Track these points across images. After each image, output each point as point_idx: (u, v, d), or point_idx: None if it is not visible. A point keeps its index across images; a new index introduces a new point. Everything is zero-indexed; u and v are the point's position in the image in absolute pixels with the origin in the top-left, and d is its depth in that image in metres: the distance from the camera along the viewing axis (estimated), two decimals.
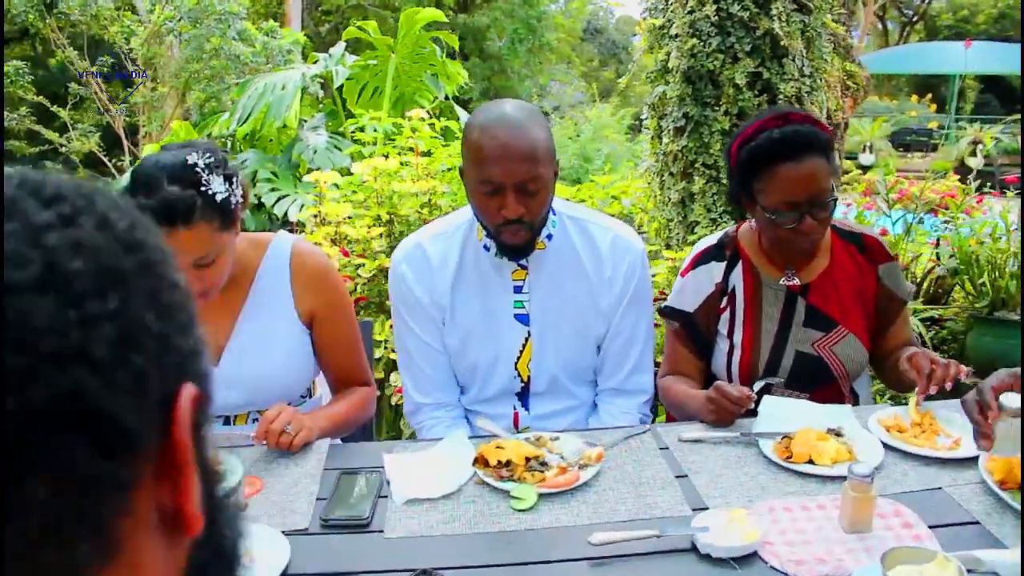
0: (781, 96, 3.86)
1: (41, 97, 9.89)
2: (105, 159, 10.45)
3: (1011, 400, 1.57)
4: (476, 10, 24.20)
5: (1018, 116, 24.17)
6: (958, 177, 7.17)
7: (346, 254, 3.85)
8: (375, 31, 6.43)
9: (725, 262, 2.31)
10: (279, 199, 5.59)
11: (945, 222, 4.96)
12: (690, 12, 3.94)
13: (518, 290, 2.19)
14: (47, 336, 0.39)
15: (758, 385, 2.13)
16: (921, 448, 1.88)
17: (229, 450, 1.94)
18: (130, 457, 0.44)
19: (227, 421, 2.15)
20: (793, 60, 3.90)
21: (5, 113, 9.89)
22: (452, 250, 2.20)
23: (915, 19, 33.32)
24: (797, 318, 2.24)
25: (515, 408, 2.24)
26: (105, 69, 10.71)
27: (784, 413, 2.03)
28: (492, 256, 2.16)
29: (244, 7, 9.33)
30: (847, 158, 17.50)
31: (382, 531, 1.67)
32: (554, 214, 2.19)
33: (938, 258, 4.35)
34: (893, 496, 1.69)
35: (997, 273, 4.03)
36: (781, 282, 2.23)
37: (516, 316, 2.20)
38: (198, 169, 1.81)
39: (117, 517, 0.43)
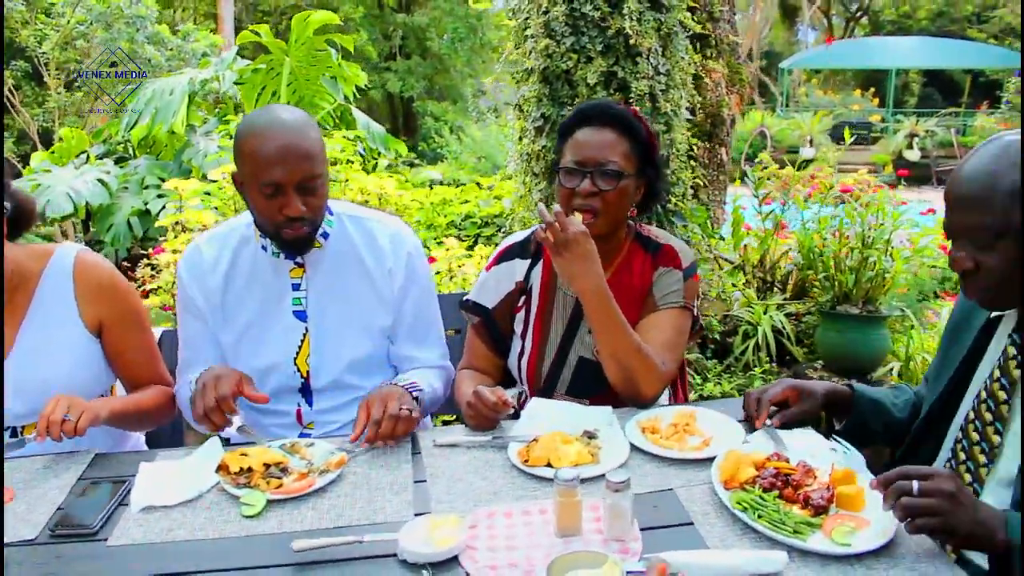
0: (634, 94, 3.89)
1: None
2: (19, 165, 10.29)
3: (615, 475, 1.57)
4: (417, 9, 24.17)
5: (954, 109, 24.71)
6: (868, 170, 7.28)
7: None
8: (268, 34, 6.38)
9: (529, 260, 2.34)
10: (164, 207, 5.53)
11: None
12: (544, 12, 3.96)
13: (296, 288, 2.22)
14: None
15: (512, 392, 2.14)
16: (663, 449, 1.90)
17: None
18: None
19: (14, 433, 2.12)
20: (647, 58, 3.93)
21: None
22: (226, 252, 2.23)
23: (859, 14, 33.82)
24: (583, 324, 2.25)
25: (298, 404, 2.25)
26: (18, 73, 10.55)
27: (546, 415, 2.05)
28: (270, 256, 2.19)
29: (153, 9, 9.22)
30: (789, 151, 17.76)
31: (106, 539, 1.66)
32: (331, 214, 2.22)
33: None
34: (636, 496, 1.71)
35: (837, 268, 4.10)
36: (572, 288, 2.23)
37: (294, 313, 2.22)
38: None
39: None
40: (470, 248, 4.53)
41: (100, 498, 1.81)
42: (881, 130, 23.35)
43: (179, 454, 2.02)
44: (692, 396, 3.83)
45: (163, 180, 5.82)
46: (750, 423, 1.97)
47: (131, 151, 6.91)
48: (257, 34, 6.40)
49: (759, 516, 1.60)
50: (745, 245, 4.70)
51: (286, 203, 2.02)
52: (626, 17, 3.84)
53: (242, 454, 1.87)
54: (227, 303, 2.23)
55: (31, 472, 1.96)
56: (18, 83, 10.55)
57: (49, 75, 10.17)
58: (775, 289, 4.54)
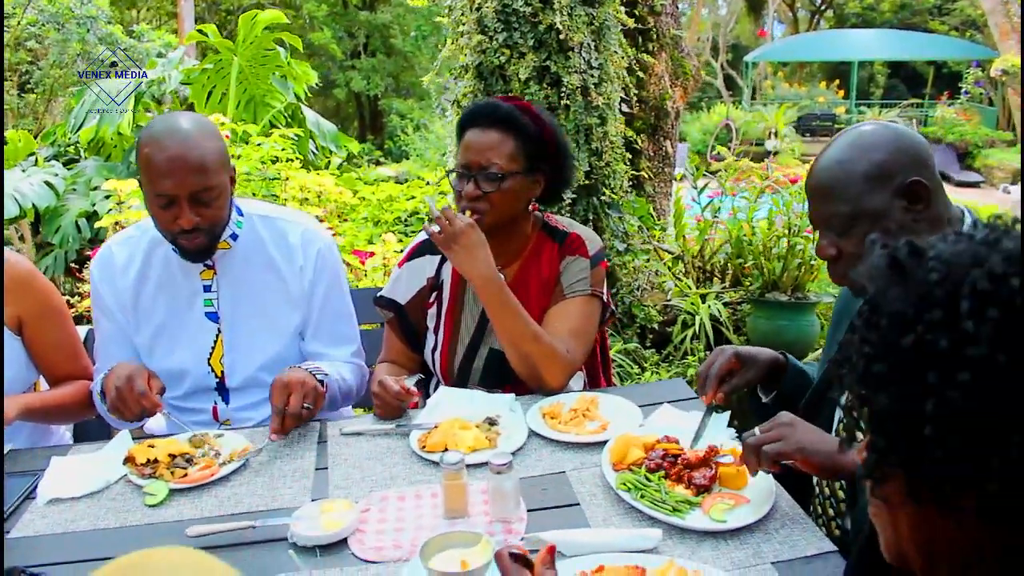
0: (566, 88, 3.95)
1: None
2: None
3: (497, 458, 1.63)
4: (380, 7, 24.12)
5: (916, 100, 25.03)
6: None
7: None
8: (215, 34, 6.39)
9: (439, 256, 2.37)
10: (111, 209, 5.53)
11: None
12: (477, 9, 4.00)
13: (207, 289, 2.24)
14: None
15: (411, 380, 2.18)
16: (560, 433, 1.96)
17: None
18: None
19: None
20: (579, 53, 3.99)
21: None
22: (137, 253, 2.26)
23: (824, 7, 34.10)
24: None
25: (214, 403, 2.28)
26: None
27: (450, 403, 2.10)
28: (180, 258, 2.20)
29: (103, 10, 9.17)
30: (755, 144, 17.94)
31: (8, 532, 1.70)
32: (240, 215, 2.24)
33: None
34: (526, 480, 1.76)
35: (765, 256, 4.19)
36: None
37: (207, 314, 2.25)
38: None
39: None
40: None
41: (8, 493, 1.84)
42: (846, 121, 23.60)
43: (92, 448, 2.06)
44: (628, 384, 3.89)
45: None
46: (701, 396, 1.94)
47: (80, 153, 6.89)
48: (204, 34, 6.41)
49: (641, 496, 1.66)
50: (685, 236, 4.78)
51: (178, 214, 2.04)
52: (557, 12, 3.89)
53: (149, 446, 1.91)
54: (139, 304, 2.25)
55: None
56: None
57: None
58: (713, 279, 4.63)
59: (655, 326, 4.32)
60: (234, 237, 2.22)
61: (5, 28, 9.84)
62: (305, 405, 1.96)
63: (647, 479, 1.71)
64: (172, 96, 6.65)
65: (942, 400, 0.68)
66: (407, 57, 23.76)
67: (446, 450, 1.85)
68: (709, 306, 4.19)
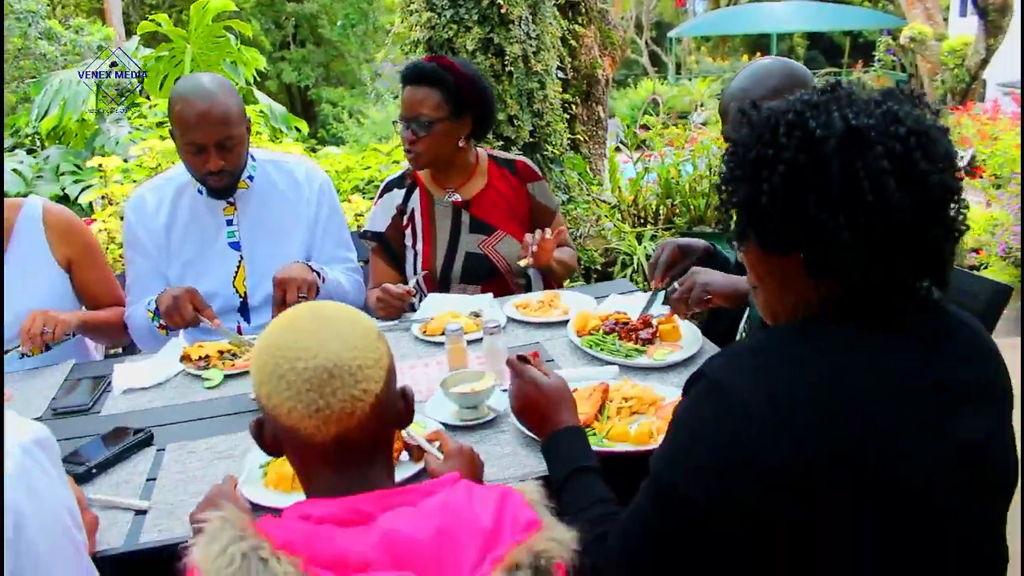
0: (509, 57, 4.42)
1: None
2: None
3: (490, 321, 2.12)
4: None
5: (833, 68, 25.97)
6: None
7: None
8: (168, 23, 6.71)
9: (404, 189, 2.87)
10: (83, 189, 5.85)
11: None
12: None
13: (229, 223, 2.67)
14: None
15: (415, 278, 2.68)
16: (532, 317, 2.46)
17: None
18: None
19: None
20: (519, 25, 4.46)
21: None
22: (165, 199, 2.68)
23: None
24: (464, 227, 2.80)
25: (238, 322, 2.70)
26: None
27: (440, 304, 2.58)
28: (205, 198, 2.64)
29: (43, 4, 9.33)
30: (681, 116, 18.66)
31: (99, 411, 2.13)
32: (254, 160, 2.68)
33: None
34: (511, 349, 2.23)
35: (691, 194, 4.73)
36: (446, 199, 2.78)
37: (230, 244, 2.68)
38: None
39: None
40: None
41: (86, 388, 2.27)
42: None
43: (143, 356, 2.48)
44: None
45: (77, 167, 6.13)
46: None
47: (39, 142, 7.15)
48: (158, 23, 6.71)
49: (600, 349, 2.16)
50: (620, 188, 5.30)
51: (207, 159, 2.48)
52: None
53: (200, 346, 2.34)
54: (171, 241, 2.66)
55: (23, 378, 2.39)
56: None
57: None
58: (647, 223, 5.15)
59: (598, 267, 4.83)
60: (250, 178, 2.66)
61: None
62: (300, 295, 2.40)
63: (604, 338, 2.21)
64: (131, 83, 6.96)
65: (771, 185, 1.17)
66: (336, 46, 23.95)
67: (442, 333, 2.32)
68: (644, 246, 4.70)
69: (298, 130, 7.43)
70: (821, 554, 1.12)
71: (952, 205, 1.17)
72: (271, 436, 1.17)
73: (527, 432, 1.74)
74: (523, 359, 1.70)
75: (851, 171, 1.12)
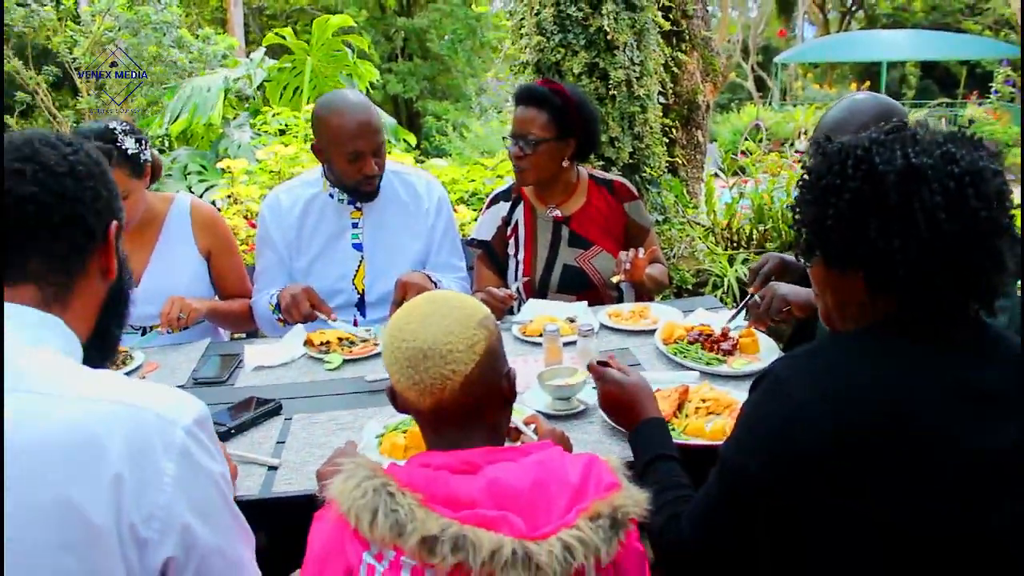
0: (612, 81, 4.63)
1: None
2: None
3: (584, 325, 2.33)
4: (418, 12, 24.85)
5: (946, 100, 25.33)
6: None
7: (253, 226, 4.57)
8: (291, 36, 7.14)
9: (510, 202, 3.12)
10: (207, 188, 6.29)
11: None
12: (536, 13, 4.70)
13: (355, 226, 2.95)
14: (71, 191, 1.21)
15: (515, 284, 2.91)
16: (622, 324, 2.67)
17: (134, 348, 2.65)
18: (92, 242, 1.23)
19: (144, 332, 2.85)
20: (623, 51, 4.67)
21: None
22: (299, 200, 2.97)
23: (854, 8, 34.35)
24: (563, 241, 3.02)
25: (355, 316, 2.97)
26: (51, 78, 11.23)
27: (538, 308, 2.80)
28: (335, 202, 2.94)
29: (178, 15, 9.93)
30: (784, 143, 18.46)
31: (234, 384, 2.41)
32: None
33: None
34: (602, 353, 2.44)
35: (782, 220, 4.85)
36: (548, 214, 3.00)
37: (353, 245, 2.96)
38: (115, 132, 2.63)
39: (85, 263, 1.24)
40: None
41: (222, 363, 2.56)
42: None
43: (270, 340, 2.77)
44: None
45: (203, 167, 6.58)
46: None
47: (168, 143, 7.67)
48: (282, 36, 7.14)
49: (684, 356, 2.35)
50: (715, 211, 5.45)
51: (365, 165, 2.77)
52: (605, 16, 4.57)
53: (321, 333, 2.62)
54: (300, 238, 2.95)
55: (166, 351, 2.70)
56: (51, 87, 11.23)
57: (80, 79, 10.85)
58: (739, 247, 5.28)
59: (689, 287, 4.98)
60: (378, 187, 2.93)
61: (85, 35, 10.65)
62: None
63: (688, 347, 2.39)
64: (255, 92, 7.42)
65: (837, 210, 1.35)
66: (443, 60, 24.50)
67: (540, 334, 2.54)
68: (735, 269, 4.84)
69: (406, 142, 7.78)
70: (851, 543, 1.29)
71: (1001, 240, 1.31)
72: (397, 400, 1.41)
73: (615, 425, 1.95)
74: (602, 363, 1.92)
75: (907, 203, 1.29)
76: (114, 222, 1.29)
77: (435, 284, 2.76)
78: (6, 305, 1.18)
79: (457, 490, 1.22)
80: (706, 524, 1.44)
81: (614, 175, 3.20)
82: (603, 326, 2.67)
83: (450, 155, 16.80)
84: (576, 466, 1.29)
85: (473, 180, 5.86)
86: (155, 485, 1.09)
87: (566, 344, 2.43)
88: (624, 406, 1.86)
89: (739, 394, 2.08)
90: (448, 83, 24.73)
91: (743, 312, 2.50)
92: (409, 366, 1.31)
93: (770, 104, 25.65)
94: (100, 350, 1.34)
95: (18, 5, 9.71)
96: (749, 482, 1.36)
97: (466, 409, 1.33)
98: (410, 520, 1.18)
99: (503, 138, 3.04)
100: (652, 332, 2.58)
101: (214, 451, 1.19)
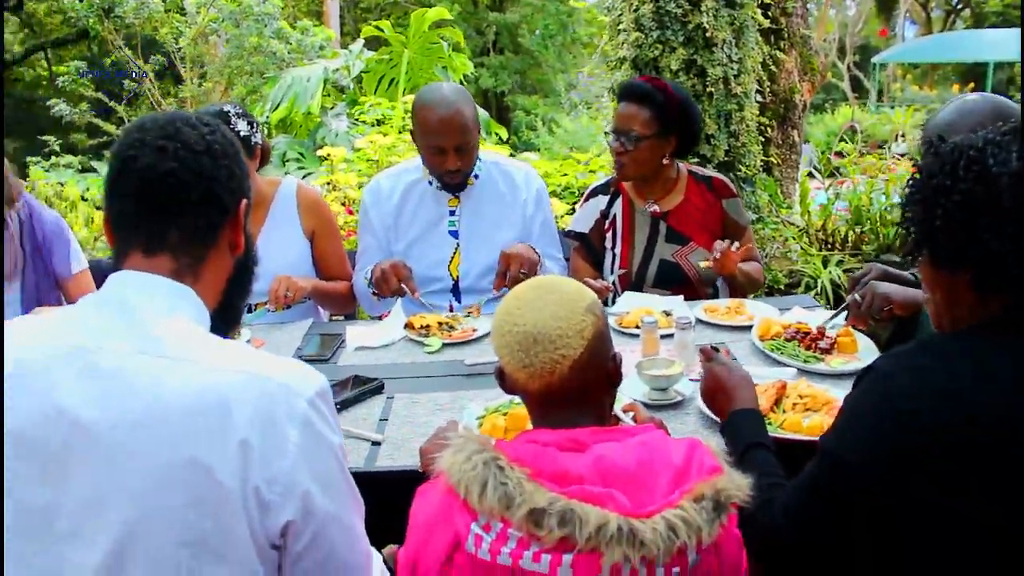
0: (710, 78, 4.61)
1: (99, 94, 10.85)
2: None
3: (682, 317, 2.35)
4: (509, 7, 24.95)
5: None
6: None
7: (351, 212, 4.70)
8: (389, 29, 7.28)
9: (608, 196, 3.14)
10: (305, 175, 6.46)
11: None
12: (635, 10, 4.70)
13: (452, 213, 3.02)
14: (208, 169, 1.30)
15: (611, 277, 2.94)
16: (720, 320, 2.67)
17: (242, 324, 2.76)
18: (225, 217, 1.32)
19: (250, 309, 2.96)
20: (722, 48, 4.65)
21: (69, 108, 10.84)
22: (399, 185, 3.06)
23: (960, 6, 33.14)
24: (660, 236, 3.04)
25: (450, 301, 3.04)
26: (157, 67, 11.62)
27: (634, 300, 2.82)
28: (434, 189, 3.01)
29: (278, 7, 10.19)
30: (880, 146, 18.03)
31: (336, 363, 2.50)
32: (480, 160, 3.01)
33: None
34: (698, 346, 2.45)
35: (881, 222, 4.76)
36: (646, 209, 3.02)
37: (449, 232, 3.03)
38: (229, 114, 2.77)
39: (217, 237, 1.33)
40: (572, 211, 5.32)
41: (324, 343, 2.66)
42: None
43: (371, 322, 2.86)
44: None
45: (301, 155, 6.77)
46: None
47: (267, 131, 7.90)
48: (380, 29, 7.28)
49: (781, 352, 2.35)
50: (810, 211, 5.38)
51: (446, 160, 2.84)
52: (704, 13, 4.55)
53: (421, 316, 2.69)
54: (399, 223, 3.04)
55: (271, 329, 2.81)
56: (156, 76, 11.62)
57: (184, 69, 11.21)
58: (834, 248, 5.21)
59: (782, 287, 4.94)
60: (476, 176, 3.00)
61: (190, 23, 11.00)
62: (521, 271, 2.71)
63: (784, 344, 2.39)
64: (352, 82, 7.58)
65: (945, 210, 1.34)
66: (533, 55, 24.56)
67: (637, 326, 2.56)
68: (829, 271, 4.78)
69: (498, 135, 7.85)
70: (955, 543, 1.29)
71: None
72: (504, 380, 1.45)
73: (709, 415, 1.97)
74: (715, 349, 1.94)
75: (1021, 205, 1.29)
76: (244, 200, 1.36)
77: (538, 255, 2.82)
78: (144, 275, 1.26)
79: (565, 466, 1.27)
80: (801, 516, 1.46)
81: (713, 172, 3.20)
82: (699, 320, 2.68)
83: (539, 149, 16.88)
84: (679, 448, 1.32)
85: (565, 174, 5.90)
86: (279, 451, 1.16)
87: (663, 336, 2.45)
88: (725, 392, 1.87)
89: (837, 392, 2.07)
90: (538, 78, 24.77)
91: (843, 313, 2.49)
92: (519, 349, 1.35)
93: (866, 105, 25.01)
94: (225, 321, 1.43)
95: None
96: (849, 476, 1.37)
97: (574, 391, 1.37)
98: (518, 493, 1.22)
99: (604, 133, 3.07)
100: (748, 328, 2.58)
101: (333, 423, 1.26)
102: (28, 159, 10.31)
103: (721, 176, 3.16)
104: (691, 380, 2.19)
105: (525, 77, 24.89)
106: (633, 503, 1.23)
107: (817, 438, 1.79)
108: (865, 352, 2.34)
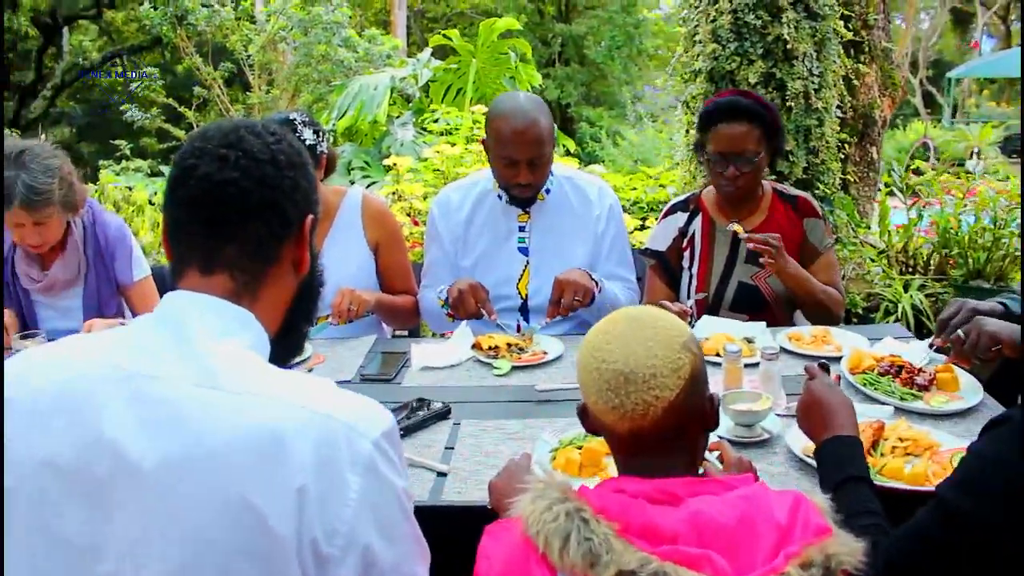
0: (790, 92, 4.44)
1: (170, 99, 11.02)
2: None
3: (768, 348, 2.17)
4: (576, 18, 24.89)
5: None
6: None
7: (416, 223, 4.62)
8: (457, 38, 7.22)
9: (688, 213, 3.00)
10: (370, 184, 6.42)
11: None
12: (712, 21, 4.56)
13: (522, 229, 2.91)
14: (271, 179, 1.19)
15: (691, 301, 2.79)
16: (803, 349, 2.51)
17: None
18: (288, 232, 1.21)
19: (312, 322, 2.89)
20: (802, 61, 4.48)
21: (140, 113, 11.02)
22: (469, 198, 2.96)
23: None
24: (740, 257, 2.88)
25: (518, 320, 2.92)
26: (226, 74, 11.78)
27: (714, 326, 2.67)
28: (503, 203, 2.90)
29: (346, 16, 10.24)
30: (955, 164, 17.48)
31: (400, 383, 2.40)
32: (552, 174, 2.89)
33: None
34: (784, 379, 2.30)
35: (970, 246, 4.53)
36: (728, 228, 2.87)
37: (519, 248, 2.92)
38: (295, 122, 2.71)
39: (279, 254, 1.22)
40: (641, 227, 5.19)
41: (388, 361, 2.56)
42: None
43: (437, 340, 2.75)
44: None
45: (366, 163, 6.73)
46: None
47: (333, 139, 7.89)
48: (448, 38, 7.23)
49: (875, 388, 2.18)
50: (890, 231, 5.16)
51: (518, 173, 2.73)
52: (784, 25, 4.39)
53: (490, 337, 2.58)
54: (468, 236, 2.94)
55: (333, 344, 2.73)
56: (225, 83, 11.77)
57: (253, 76, 11.33)
58: (916, 272, 4.98)
59: (859, 311, 4.73)
60: (547, 191, 2.88)
61: (260, 31, 11.11)
62: (575, 298, 2.59)
63: (879, 379, 2.23)
64: (420, 91, 7.54)
65: None
66: (599, 67, 24.43)
67: (718, 354, 2.41)
68: (911, 295, 4.56)
69: (565, 147, 7.74)
70: None
71: None
72: (588, 420, 1.33)
73: (799, 455, 1.83)
74: (825, 368, 1.80)
75: None
76: (310, 215, 1.26)
77: (596, 283, 2.69)
78: (200, 296, 1.17)
79: (657, 521, 1.14)
80: (914, 564, 1.32)
81: (799, 191, 3.03)
82: (782, 349, 2.52)
83: (603, 161, 16.75)
84: (783, 505, 1.19)
85: (635, 188, 5.77)
86: (340, 499, 1.05)
87: (745, 366, 2.30)
88: (825, 413, 1.70)
89: (940, 435, 1.91)
90: (603, 90, 24.66)
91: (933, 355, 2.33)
92: (609, 389, 1.23)
93: (940, 121, 24.35)
94: (286, 347, 1.33)
95: (203, 6, 10.23)
96: (975, 529, 1.24)
97: (666, 435, 1.25)
98: (605, 551, 1.10)
99: (707, 159, 2.81)
100: (836, 359, 2.42)
101: (399, 464, 1.15)
102: (100, 163, 10.49)
103: (807, 195, 3.00)
104: (778, 415, 2.04)
105: (590, 89, 24.80)
106: (733, 566, 1.10)
107: (922, 489, 1.65)
108: (968, 390, 2.16)
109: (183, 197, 1.19)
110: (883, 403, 2.12)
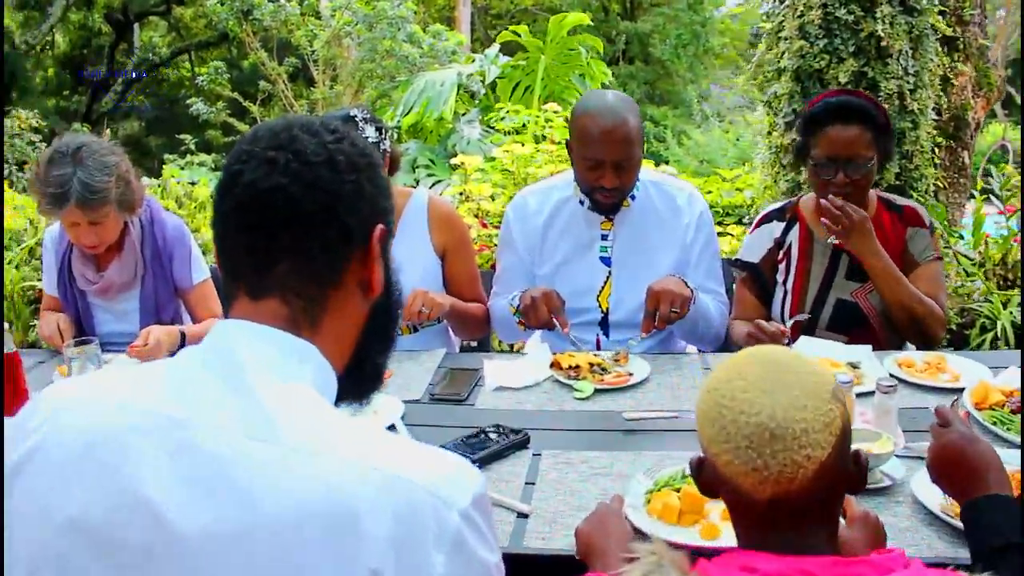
0: (883, 92, 4.16)
1: (236, 94, 11.02)
2: None
3: (885, 380, 1.93)
4: (641, 16, 24.56)
5: None
6: None
7: (484, 225, 4.45)
8: (526, 34, 7.03)
9: (784, 223, 2.76)
10: (435, 183, 6.27)
11: None
12: (799, 16, 4.30)
13: (604, 238, 2.71)
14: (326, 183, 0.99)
15: (790, 322, 2.55)
16: (920, 379, 2.26)
17: None
18: (350, 247, 1.01)
19: None
20: (897, 60, 4.20)
21: (206, 106, 11.03)
22: (547, 203, 2.76)
23: None
24: (840, 271, 2.64)
25: (597, 335, 2.73)
26: (290, 69, 11.76)
27: (814, 348, 2.44)
28: (585, 209, 2.70)
29: (412, 11, 10.11)
30: None
31: (473, 404, 2.22)
32: (638, 180, 2.69)
33: None
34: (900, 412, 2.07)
35: None
36: (828, 241, 2.62)
37: (601, 258, 2.71)
38: (356, 119, 2.54)
39: (341, 273, 1.02)
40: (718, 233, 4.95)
41: (460, 379, 2.38)
42: None
43: (512, 357, 2.57)
44: None
45: (432, 161, 6.58)
46: None
47: (398, 136, 7.77)
48: (516, 34, 7.05)
49: (1007, 428, 1.94)
50: (986, 242, 4.85)
51: (602, 176, 2.52)
52: (879, 20, 4.12)
53: (570, 355, 2.38)
54: (545, 244, 2.75)
55: (400, 360, 2.54)
56: (290, 78, 11.74)
57: (317, 71, 11.28)
58: (1016, 286, 4.66)
59: (953, 327, 4.43)
60: (632, 198, 2.68)
61: (325, 27, 11.04)
62: (672, 310, 2.40)
63: (1010, 417, 1.98)
64: (486, 88, 7.38)
65: None
66: (664, 65, 24.06)
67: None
68: (1011, 311, 4.26)
69: None
70: None
71: None
72: (709, 479, 1.13)
73: (926, 505, 1.61)
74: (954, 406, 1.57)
75: None
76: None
77: (692, 292, 2.49)
78: (253, 325, 0.98)
79: None
80: None
81: (907, 200, 2.77)
82: (892, 376, 2.28)
83: (667, 161, 16.44)
84: None
85: (709, 192, 5.52)
86: None
87: (857, 396, 2.08)
88: (968, 467, 1.45)
89: None
90: (668, 88, 24.29)
91: None
92: (750, 447, 1.02)
93: (1018, 123, 23.50)
94: (359, 383, 1.13)
95: (269, 1, 10.20)
96: None
97: (811, 503, 1.05)
98: None
99: (812, 164, 2.57)
100: (955, 391, 2.17)
101: (490, 537, 0.94)
102: (166, 156, 10.54)
103: (916, 205, 2.73)
104: (897, 456, 1.82)
105: (654, 87, 24.44)
106: None
107: None
108: None
109: (228, 208, 1.00)
110: (1017, 446, 1.88)
